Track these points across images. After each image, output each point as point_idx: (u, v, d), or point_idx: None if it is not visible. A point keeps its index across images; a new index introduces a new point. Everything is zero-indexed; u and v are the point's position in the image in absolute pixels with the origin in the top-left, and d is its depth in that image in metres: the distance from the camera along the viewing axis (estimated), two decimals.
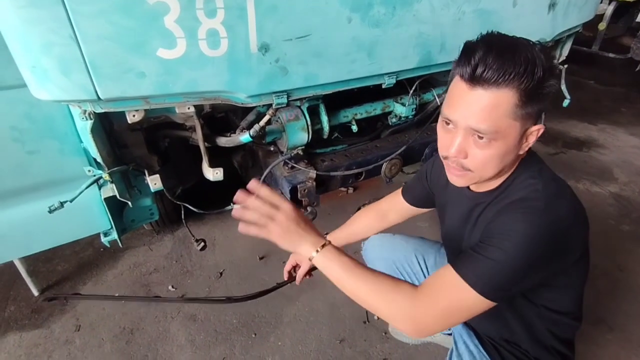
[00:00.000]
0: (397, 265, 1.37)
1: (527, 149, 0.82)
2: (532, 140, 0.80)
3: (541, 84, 0.72)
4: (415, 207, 1.26)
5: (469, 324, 1.15)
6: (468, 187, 0.97)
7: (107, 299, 1.83)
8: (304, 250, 0.81)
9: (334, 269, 0.81)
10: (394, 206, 1.31)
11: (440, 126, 0.84)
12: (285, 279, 1.37)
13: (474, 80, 0.73)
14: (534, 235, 0.74)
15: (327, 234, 1.40)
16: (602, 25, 3.63)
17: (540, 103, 0.74)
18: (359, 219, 1.37)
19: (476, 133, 0.76)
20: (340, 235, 1.36)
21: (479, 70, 0.71)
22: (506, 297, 0.78)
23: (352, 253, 1.08)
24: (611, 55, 3.76)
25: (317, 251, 0.80)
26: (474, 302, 0.76)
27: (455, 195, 1.03)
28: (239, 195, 0.82)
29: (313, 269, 1.24)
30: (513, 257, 0.74)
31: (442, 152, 0.85)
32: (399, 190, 1.31)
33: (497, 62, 0.70)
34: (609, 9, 3.55)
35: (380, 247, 1.42)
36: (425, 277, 1.36)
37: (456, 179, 0.86)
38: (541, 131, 0.79)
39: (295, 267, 1.34)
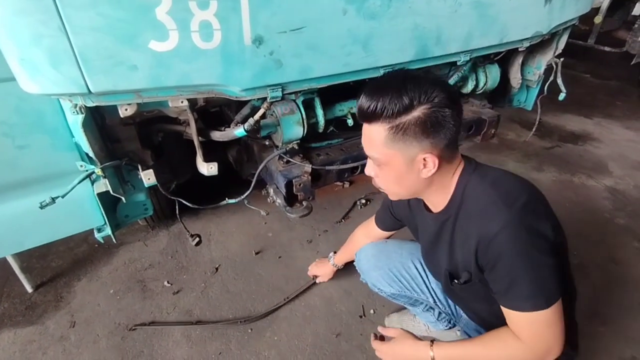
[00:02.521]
0: (394, 272, 1.37)
1: (430, 174, 0.89)
2: (429, 166, 0.88)
3: (409, 116, 0.81)
4: (389, 231, 1.44)
5: (474, 318, 1.17)
6: (428, 209, 1.06)
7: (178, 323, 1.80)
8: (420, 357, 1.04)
9: (456, 354, 1.00)
10: (376, 233, 1.48)
11: None
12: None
13: (359, 117, 0.88)
14: (519, 231, 0.83)
15: (335, 252, 1.76)
16: (598, 19, 3.62)
17: (419, 134, 0.83)
18: (359, 239, 1.55)
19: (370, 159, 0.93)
20: (346, 256, 1.67)
21: (358, 108, 0.86)
22: (564, 286, 0.88)
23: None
24: (607, 49, 3.76)
25: (431, 348, 1.01)
26: (553, 312, 0.86)
27: (420, 218, 1.13)
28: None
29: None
30: (534, 267, 0.84)
31: None
32: (373, 218, 1.49)
33: (367, 99, 0.83)
34: (605, 3, 3.54)
35: (373, 256, 1.42)
36: (423, 280, 1.37)
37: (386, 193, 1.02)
38: (435, 162, 0.86)
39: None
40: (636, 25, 3.49)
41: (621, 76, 4.44)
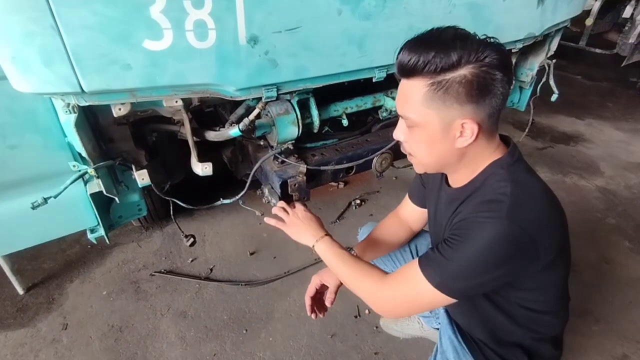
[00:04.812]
0: (391, 254, 1.36)
1: (466, 143, 0.81)
2: (468, 135, 0.79)
3: (454, 73, 0.74)
4: (424, 208, 1.23)
5: (454, 321, 1.15)
6: (447, 184, 1.00)
7: None
8: (306, 240, 1.05)
9: (329, 256, 1.00)
10: (409, 213, 1.28)
11: None
12: (308, 310, 1.20)
13: (398, 71, 0.82)
14: (491, 244, 0.77)
15: (350, 248, 1.21)
16: (589, 21, 3.67)
17: (462, 96, 0.75)
18: (386, 233, 1.29)
19: (403, 119, 0.86)
20: (370, 250, 1.26)
21: (397, 62, 0.80)
22: (464, 296, 0.85)
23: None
24: (598, 50, 3.81)
25: (317, 241, 1.02)
26: (432, 295, 0.83)
27: (437, 190, 1.06)
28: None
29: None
30: (469, 261, 0.79)
31: None
32: (407, 195, 1.29)
33: (409, 52, 0.76)
34: (596, 5, 3.59)
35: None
36: None
37: (413, 164, 0.94)
38: (475, 129, 0.78)
39: (319, 291, 1.22)
40: (626, 28, 3.54)
41: (612, 78, 4.50)
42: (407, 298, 0.87)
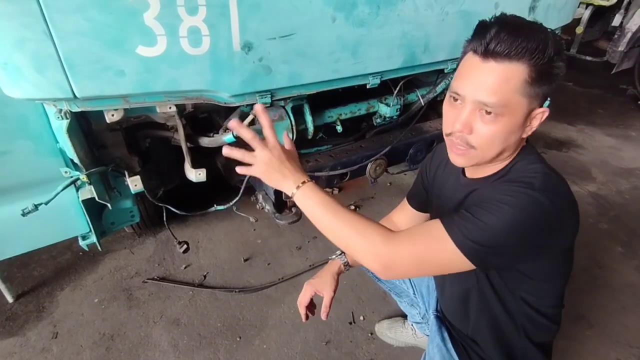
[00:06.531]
0: None
1: (530, 132, 0.83)
2: (535, 124, 0.81)
3: (551, 64, 0.74)
4: (423, 212, 1.21)
5: (445, 323, 1.15)
6: (464, 174, 0.97)
7: None
8: (285, 188, 0.85)
9: (312, 204, 0.83)
10: (405, 218, 1.25)
11: (446, 103, 0.85)
12: (303, 318, 1.15)
13: (487, 53, 0.75)
14: (525, 212, 0.75)
15: (341, 253, 1.19)
16: (579, 29, 3.72)
17: (548, 84, 0.77)
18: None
19: (484, 107, 0.77)
20: None
21: (493, 44, 0.73)
22: (481, 260, 0.78)
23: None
24: (588, 58, 3.86)
25: (298, 187, 0.84)
26: (450, 254, 0.77)
27: (450, 187, 1.02)
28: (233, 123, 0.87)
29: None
30: (499, 224, 0.74)
31: (446, 129, 0.85)
32: (405, 199, 1.26)
33: (511, 37, 0.72)
34: (586, 13, 3.65)
35: None
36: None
37: (457, 157, 0.86)
38: (545, 114, 0.81)
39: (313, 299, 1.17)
40: (616, 36, 3.60)
41: (602, 85, 4.56)
42: (422, 255, 0.79)
